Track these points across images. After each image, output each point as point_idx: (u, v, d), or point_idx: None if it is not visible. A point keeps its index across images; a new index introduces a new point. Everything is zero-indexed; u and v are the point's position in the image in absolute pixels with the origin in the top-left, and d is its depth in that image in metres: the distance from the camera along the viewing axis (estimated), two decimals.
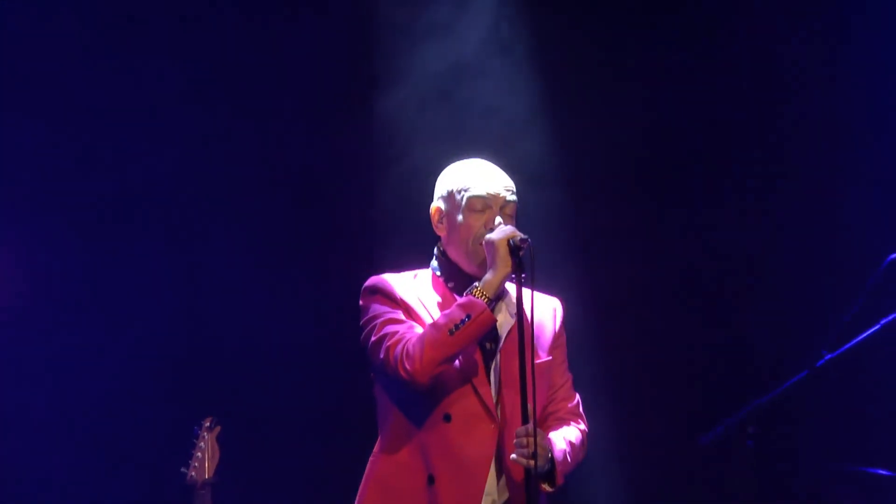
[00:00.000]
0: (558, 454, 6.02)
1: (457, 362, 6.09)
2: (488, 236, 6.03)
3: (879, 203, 8.70)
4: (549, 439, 6.03)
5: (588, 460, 6.43)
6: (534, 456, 5.80)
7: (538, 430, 5.87)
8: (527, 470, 5.80)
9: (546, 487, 6.01)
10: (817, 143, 9.06)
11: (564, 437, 6.15)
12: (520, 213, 6.33)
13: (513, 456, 5.79)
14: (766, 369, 7.87)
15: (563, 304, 6.38)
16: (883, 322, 7.14)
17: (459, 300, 6.00)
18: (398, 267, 6.34)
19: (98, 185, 9.05)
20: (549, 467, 5.96)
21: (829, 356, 7.19)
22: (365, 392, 6.34)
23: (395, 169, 8.63)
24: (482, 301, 5.95)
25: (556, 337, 6.29)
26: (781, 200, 8.95)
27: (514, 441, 5.83)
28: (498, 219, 6.17)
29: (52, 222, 8.97)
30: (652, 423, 8.57)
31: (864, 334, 7.18)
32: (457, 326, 5.97)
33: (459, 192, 6.21)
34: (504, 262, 5.99)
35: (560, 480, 5.98)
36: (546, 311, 6.28)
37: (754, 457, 7.41)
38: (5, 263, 8.98)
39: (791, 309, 8.52)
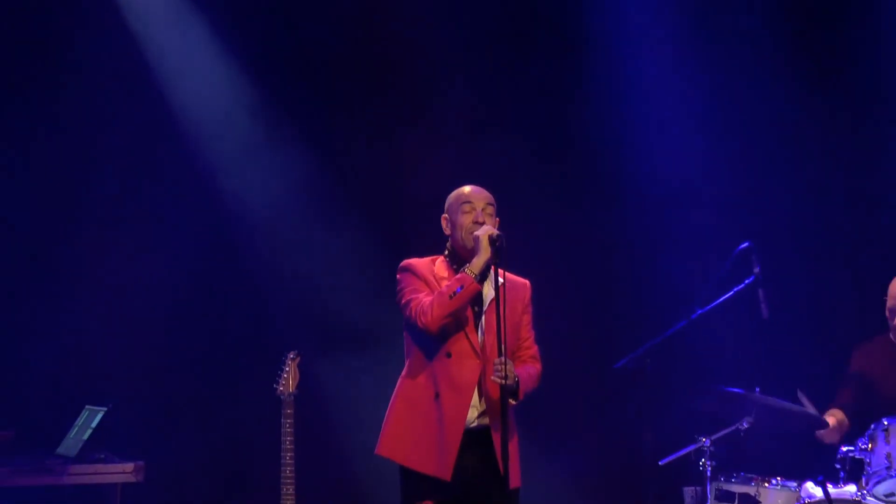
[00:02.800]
0: (521, 378, 6.38)
1: (456, 318, 6.39)
2: (475, 233, 6.37)
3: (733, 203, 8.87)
4: (515, 369, 6.36)
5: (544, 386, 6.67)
6: (506, 377, 6.17)
7: (508, 360, 6.23)
8: (501, 386, 6.18)
9: (511, 401, 6.31)
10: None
11: (525, 371, 6.50)
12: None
13: (493, 377, 6.20)
14: (658, 320, 7.71)
15: (530, 284, 6.70)
16: (735, 290, 7.30)
17: (456, 276, 6.37)
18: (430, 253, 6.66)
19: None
20: (515, 388, 6.30)
21: (700, 311, 7.33)
22: (397, 337, 6.68)
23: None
24: (470, 276, 6.31)
25: (525, 306, 6.63)
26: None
27: (494, 366, 6.20)
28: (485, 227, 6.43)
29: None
30: (581, 357, 8.68)
31: (722, 297, 7.32)
32: (454, 293, 6.33)
33: (456, 201, 6.56)
34: (485, 250, 6.32)
35: (521, 397, 6.37)
36: (519, 288, 6.59)
37: (651, 377, 7.45)
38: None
39: (675, 281, 8.58)
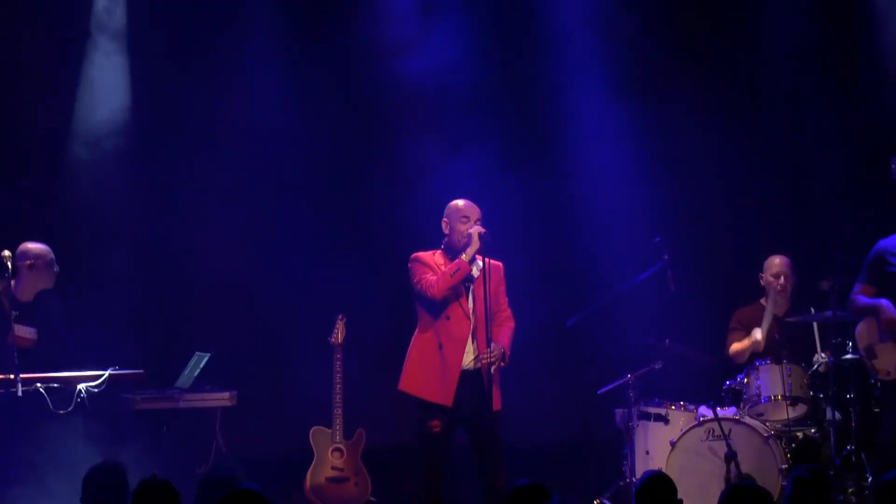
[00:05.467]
0: (505, 347, 6.77)
1: (454, 291, 6.71)
2: (469, 230, 6.75)
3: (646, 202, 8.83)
4: (501, 342, 6.71)
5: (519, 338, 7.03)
6: (490, 364, 6.57)
7: (495, 344, 6.62)
8: (488, 364, 6.60)
9: (502, 364, 6.72)
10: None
11: (505, 335, 6.86)
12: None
13: (482, 360, 6.59)
14: (598, 291, 7.98)
15: (503, 265, 7.01)
16: (650, 270, 7.63)
17: (454, 262, 6.76)
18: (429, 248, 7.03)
19: None
20: (501, 359, 6.72)
21: (627, 286, 7.73)
22: (409, 306, 7.07)
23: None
24: (465, 261, 6.75)
25: (500, 280, 6.98)
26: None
27: (482, 354, 6.55)
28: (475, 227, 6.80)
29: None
30: (544, 317, 8.35)
31: (641, 277, 7.70)
32: (454, 273, 6.74)
33: (455, 212, 6.88)
34: (475, 243, 6.75)
35: (507, 360, 6.77)
36: (495, 268, 6.93)
37: (592, 331, 7.92)
38: None
39: (610, 263, 8.45)
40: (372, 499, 7.79)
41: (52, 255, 7.26)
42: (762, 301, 8.03)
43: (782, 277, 7.91)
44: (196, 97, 8.47)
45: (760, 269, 8.01)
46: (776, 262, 7.96)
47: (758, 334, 7.77)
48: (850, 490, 7.28)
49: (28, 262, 7.11)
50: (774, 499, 5.35)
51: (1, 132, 8.14)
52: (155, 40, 8.36)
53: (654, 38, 8.78)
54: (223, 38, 8.54)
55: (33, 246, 7.22)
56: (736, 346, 7.88)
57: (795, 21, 8.62)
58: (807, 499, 4.80)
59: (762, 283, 8.00)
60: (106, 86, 8.30)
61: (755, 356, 7.72)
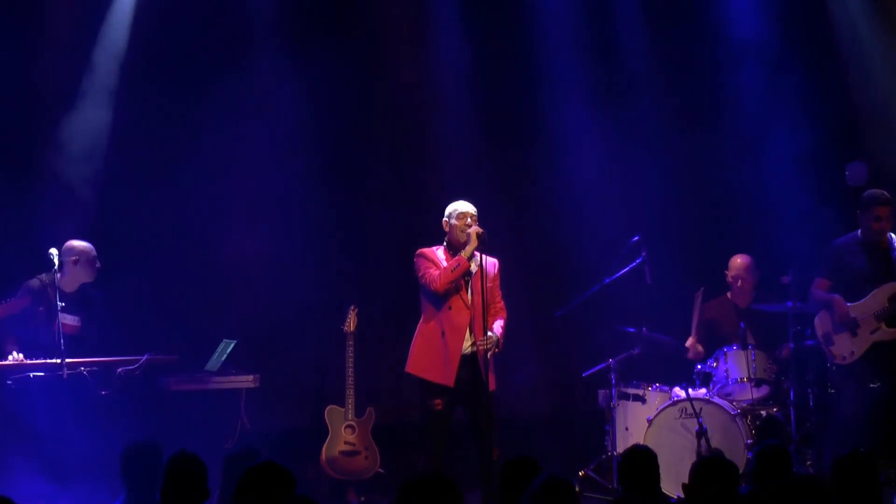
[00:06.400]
0: (500, 336, 6.79)
1: (454, 284, 6.72)
2: (468, 230, 6.78)
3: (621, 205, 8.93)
4: (495, 331, 6.74)
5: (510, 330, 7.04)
6: (486, 350, 6.59)
7: (491, 332, 6.66)
8: (485, 350, 6.66)
9: (496, 350, 6.73)
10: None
11: (499, 324, 6.91)
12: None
13: (479, 346, 6.60)
14: (582, 284, 7.88)
15: (498, 261, 7.02)
16: (630, 266, 7.65)
17: (454, 258, 6.81)
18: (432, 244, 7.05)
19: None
20: (496, 345, 6.76)
21: (608, 280, 7.74)
22: (413, 297, 7.02)
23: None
24: (464, 258, 6.79)
25: (496, 275, 6.99)
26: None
27: (480, 341, 6.57)
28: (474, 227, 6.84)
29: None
30: (534, 308, 8.46)
31: (621, 272, 7.72)
32: (454, 268, 6.78)
33: (455, 211, 6.93)
34: (473, 241, 6.80)
35: (500, 346, 6.77)
36: (492, 265, 6.97)
37: (578, 321, 7.90)
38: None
39: (593, 259, 8.17)
40: (381, 470, 7.83)
41: (95, 253, 7.41)
42: (727, 295, 8.15)
43: (740, 281, 8.05)
44: (215, 99, 8.33)
45: (727, 266, 8.08)
46: (737, 263, 8.09)
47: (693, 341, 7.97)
48: (809, 462, 7.44)
49: (73, 258, 7.26)
50: (740, 471, 5.43)
51: (35, 142, 8.10)
52: (173, 55, 8.30)
53: (633, 46, 8.78)
54: (233, 41, 8.43)
55: (78, 244, 7.37)
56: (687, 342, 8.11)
57: (760, 26, 8.63)
58: (770, 470, 4.89)
59: (727, 279, 8.11)
60: (139, 93, 8.21)
61: (723, 343, 7.75)
